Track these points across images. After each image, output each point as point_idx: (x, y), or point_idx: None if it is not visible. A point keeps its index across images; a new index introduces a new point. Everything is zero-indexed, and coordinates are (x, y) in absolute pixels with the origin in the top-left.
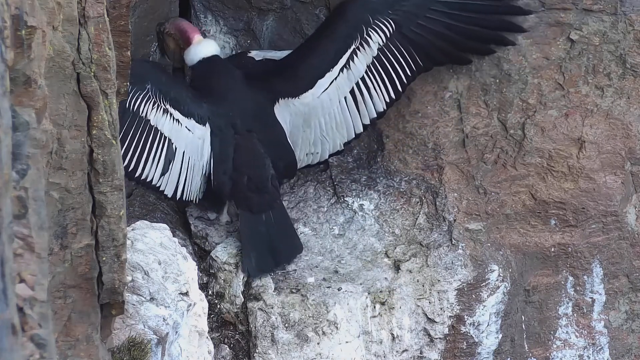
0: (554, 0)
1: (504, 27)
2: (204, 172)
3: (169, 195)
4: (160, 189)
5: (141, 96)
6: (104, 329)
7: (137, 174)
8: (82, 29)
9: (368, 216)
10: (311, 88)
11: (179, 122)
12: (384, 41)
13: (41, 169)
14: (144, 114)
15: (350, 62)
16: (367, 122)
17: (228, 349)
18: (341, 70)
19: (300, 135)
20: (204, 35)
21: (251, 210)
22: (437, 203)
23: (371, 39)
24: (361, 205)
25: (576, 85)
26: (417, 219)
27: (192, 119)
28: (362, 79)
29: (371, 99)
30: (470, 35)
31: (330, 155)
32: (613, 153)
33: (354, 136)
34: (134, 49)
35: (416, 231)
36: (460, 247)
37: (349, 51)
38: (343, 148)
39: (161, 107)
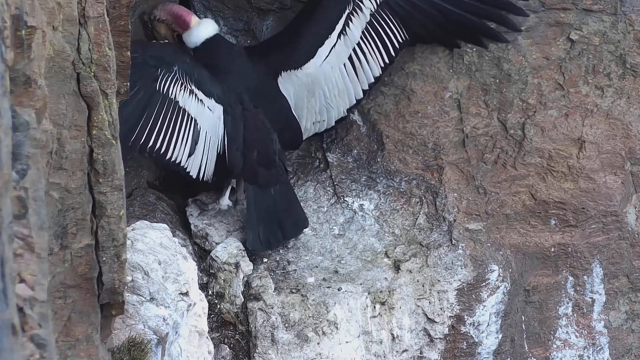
0: (554, 0)
1: (498, 20)
2: (218, 150)
3: (194, 176)
4: (187, 169)
5: (170, 78)
6: (104, 329)
7: (167, 156)
8: (82, 29)
9: (368, 216)
10: (312, 57)
11: (202, 102)
12: (375, 7)
13: (41, 169)
14: (172, 96)
15: (346, 27)
16: (366, 87)
17: (228, 349)
18: (339, 36)
19: (305, 105)
20: (199, 17)
21: (259, 184)
22: (437, 203)
23: (363, 3)
24: (361, 205)
25: (576, 85)
26: (417, 219)
27: (212, 98)
28: (358, 44)
29: (368, 64)
30: (459, 21)
31: (335, 122)
32: (613, 153)
33: (355, 102)
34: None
35: (416, 231)
36: (460, 247)
37: (344, 16)
38: (347, 114)
39: (187, 88)
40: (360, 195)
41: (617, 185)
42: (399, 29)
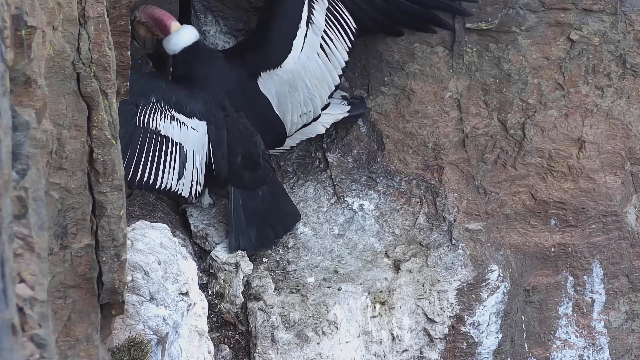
0: (554, 0)
1: (445, 8)
2: (206, 162)
3: (186, 196)
4: (178, 192)
5: (148, 110)
6: (104, 329)
7: (157, 185)
8: (82, 29)
9: (368, 216)
10: (290, 52)
11: (185, 124)
12: None
13: (41, 169)
14: (154, 127)
15: (311, 15)
16: (340, 72)
17: (228, 349)
18: (307, 25)
19: (289, 100)
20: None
21: (246, 187)
22: (437, 203)
23: None
24: (361, 205)
25: (576, 85)
26: (417, 219)
27: (194, 118)
28: (325, 32)
29: (337, 50)
30: (407, 12)
31: (321, 110)
32: (613, 153)
33: (334, 89)
34: (134, 49)
35: (416, 231)
36: (460, 247)
37: (306, 3)
38: (329, 102)
39: (168, 114)
40: (360, 195)
41: (617, 185)
42: (349, 16)
